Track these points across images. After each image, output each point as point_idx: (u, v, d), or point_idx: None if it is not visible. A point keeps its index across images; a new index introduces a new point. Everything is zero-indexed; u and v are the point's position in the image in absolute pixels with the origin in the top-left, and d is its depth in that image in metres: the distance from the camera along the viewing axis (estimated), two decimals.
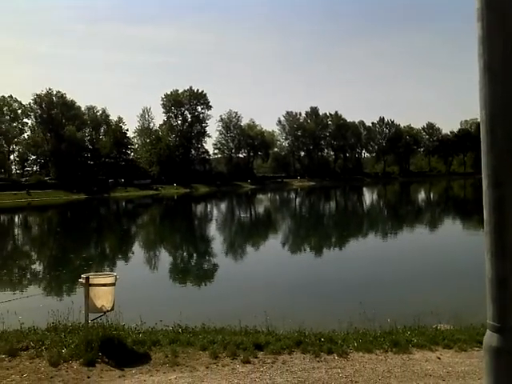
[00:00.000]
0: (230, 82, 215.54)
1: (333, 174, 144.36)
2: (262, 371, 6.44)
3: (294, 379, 6.15)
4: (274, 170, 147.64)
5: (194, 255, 29.27)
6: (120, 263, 25.80)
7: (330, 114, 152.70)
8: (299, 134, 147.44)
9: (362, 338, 7.91)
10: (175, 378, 6.26)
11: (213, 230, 42.54)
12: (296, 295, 15.83)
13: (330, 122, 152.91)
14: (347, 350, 7.27)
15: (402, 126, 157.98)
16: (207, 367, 6.64)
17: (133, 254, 29.84)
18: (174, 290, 17.98)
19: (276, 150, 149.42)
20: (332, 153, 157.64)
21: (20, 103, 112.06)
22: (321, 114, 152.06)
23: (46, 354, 7.04)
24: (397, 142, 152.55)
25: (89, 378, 6.39)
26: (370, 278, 18.42)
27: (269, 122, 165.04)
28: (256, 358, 6.94)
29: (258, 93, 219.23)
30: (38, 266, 26.83)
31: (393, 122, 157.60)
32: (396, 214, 52.56)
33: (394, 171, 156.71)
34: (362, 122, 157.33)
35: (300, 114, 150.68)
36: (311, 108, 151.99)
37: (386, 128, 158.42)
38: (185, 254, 30.30)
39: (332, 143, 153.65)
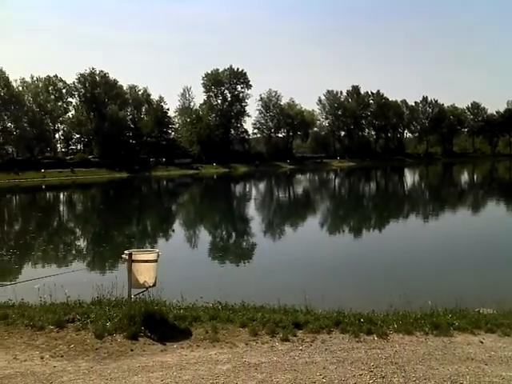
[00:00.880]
0: (271, 60, 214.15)
1: (373, 154, 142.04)
2: (301, 349, 6.48)
3: (333, 358, 6.16)
4: (313, 150, 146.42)
5: (233, 234, 29.50)
6: (161, 240, 26.28)
7: (371, 92, 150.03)
8: (340, 113, 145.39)
9: (401, 319, 7.83)
10: (215, 354, 6.37)
11: (251, 209, 42.72)
12: (335, 275, 15.81)
13: (371, 101, 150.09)
14: (387, 331, 7.22)
15: (445, 105, 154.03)
16: (247, 344, 6.72)
17: (173, 231, 30.34)
18: (214, 268, 18.20)
19: (316, 129, 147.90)
20: (373, 133, 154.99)
21: (64, 83, 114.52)
22: (362, 92, 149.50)
23: (92, 327, 7.28)
24: (440, 121, 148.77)
25: (132, 351, 6.57)
26: (411, 260, 18.21)
27: (309, 101, 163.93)
28: (295, 336, 6.98)
29: (299, 72, 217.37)
30: (82, 242, 27.60)
31: (436, 101, 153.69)
32: (438, 196, 51.50)
33: (437, 152, 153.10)
34: (404, 102, 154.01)
35: (341, 93, 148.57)
36: (352, 87, 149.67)
37: (430, 107, 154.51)
38: (224, 232, 30.58)
39: (373, 123, 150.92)
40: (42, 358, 6.36)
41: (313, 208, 42.40)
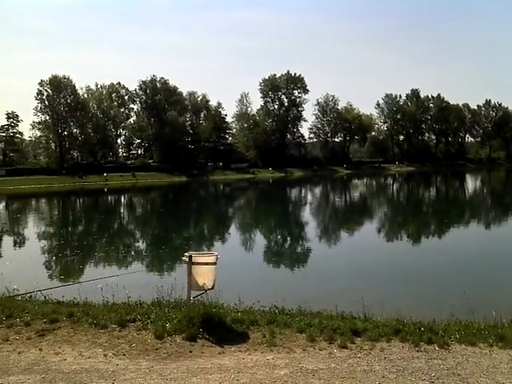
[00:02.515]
0: (328, 64, 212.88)
1: (433, 159, 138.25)
2: (359, 357, 6.39)
3: (393, 367, 6.04)
4: (370, 154, 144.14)
5: (288, 238, 29.42)
6: (217, 244, 26.54)
7: (431, 96, 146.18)
8: (398, 117, 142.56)
9: (464, 329, 7.58)
10: (273, 358, 6.38)
11: (307, 214, 42.51)
12: (393, 282, 15.50)
13: (431, 105, 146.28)
14: (448, 341, 7.00)
15: (510, 108, 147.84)
16: (304, 349, 6.70)
17: (229, 234, 30.59)
18: (270, 272, 18.24)
19: (374, 133, 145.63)
20: (433, 137, 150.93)
21: (127, 89, 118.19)
22: (422, 96, 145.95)
23: (152, 327, 7.46)
24: (504, 125, 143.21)
25: (191, 352, 6.69)
26: (473, 267, 17.58)
27: (367, 104, 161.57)
28: (353, 343, 6.89)
29: (356, 75, 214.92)
30: (141, 244, 28.29)
31: (500, 104, 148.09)
32: (501, 202, 49.46)
33: (500, 157, 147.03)
34: (466, 105, 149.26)
35: (400, 97, 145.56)
36: (412, 90, 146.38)
37: (493, 111, 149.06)
38: (279, 237, 30.57)
39: (433, 127, 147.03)
40: (105, 355, 6.58)
41: (370, 213, 41.71)
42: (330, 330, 7.31)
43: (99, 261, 21.54)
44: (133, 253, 24.42)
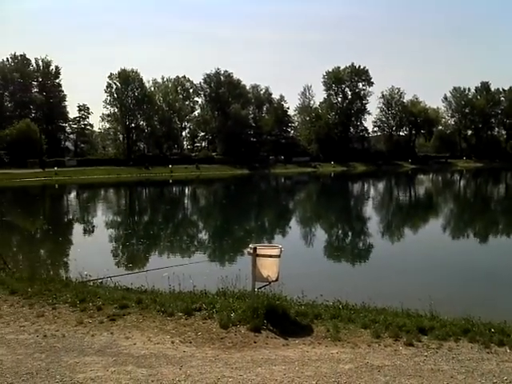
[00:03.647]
0: (393, 57, 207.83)
1: (504, 154, 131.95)
2: (426, 356, 6.26)
3: (462, 368, 5.88)
4: (437, 149, 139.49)
5: (350, 233, 29.11)
6: (278, 237, 26.61)
7: (502, 89, 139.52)
8: (467, 111, 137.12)
9: None
10: (337, 353, 6.36)
11: (369, 209, 41.87)
12: (460, 280, 15.03)
13: (502, 99, 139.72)
14: None
15: None
16: (369, 345, 6.63)
17: (290, 228, 30.59)
18: (332, 267, 18.15)
19: (440, 128, 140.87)
20: (504, 132, 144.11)
21: (192, 83, 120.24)
22: (492, 89, 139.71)
23: (217, 317, 7.61)
24: None
25: (255, 343, 6.77)
26: None
27: (433, 98, 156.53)
28: (419, 341, 6.75)
29: (423, 68, 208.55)
30: (204, 235, 28.84)
31: None
32: None
33: None
34: None
35: (468, 90, 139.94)
36: (482, 83, 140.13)
37: None
38: (340, 231, 30.30)
39: (504, 121, 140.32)
40: (172, 342, 6.78)
41: (435, 210, 40.55)
42: (395, 326, 7.20)
43: (164, 250, 22.16)
44: (196, 243, 24.92)
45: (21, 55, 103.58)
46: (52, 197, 57.73)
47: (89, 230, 30.34)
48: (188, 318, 7.69)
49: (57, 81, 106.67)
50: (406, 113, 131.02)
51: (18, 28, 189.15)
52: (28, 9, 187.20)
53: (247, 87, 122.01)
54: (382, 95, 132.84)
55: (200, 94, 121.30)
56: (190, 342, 6.78)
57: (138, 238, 24.98)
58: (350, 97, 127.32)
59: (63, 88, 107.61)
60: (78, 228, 31.78)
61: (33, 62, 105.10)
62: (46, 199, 54.83)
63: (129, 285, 10.47)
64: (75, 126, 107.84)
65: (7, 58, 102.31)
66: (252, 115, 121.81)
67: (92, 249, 22.01)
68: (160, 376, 5.62)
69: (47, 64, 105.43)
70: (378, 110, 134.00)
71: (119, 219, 35.84)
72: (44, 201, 52.85)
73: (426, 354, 6.33)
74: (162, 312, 7.91)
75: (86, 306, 8.24)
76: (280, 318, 7.41)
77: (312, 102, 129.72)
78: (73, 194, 61.90)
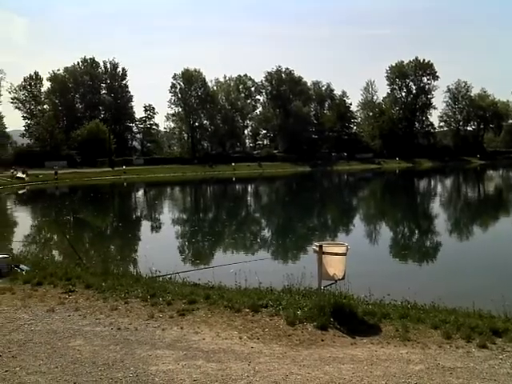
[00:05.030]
0: (459, 49, 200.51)
1: None
2: (501, 359, 6.04)
3: None
4: (507, 144, 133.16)
5: (417, 231, 28.35)
6: (342, 235, 26.32)
7: None
8: None
9: None
10: (406, 353, 6.25)
11: (436, 206, 40.59)
12: None
13: None
14: None
15: None
16: (440, 346, 6.47)
17: (354, 226, 30.19)
18: (399, 266, 17.76)
19: (511, 122, 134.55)
20: None
21: (253, 81, 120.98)
22: None
23: (283, 314, 7.66)
24: None
25: (322, 341, 6.77)
26: None
27: (503, 91, 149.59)
28: (493, 344, 6.52)
29: (491, 60, 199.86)
30: (268, 232, 28.97)
31: None
32: None
33: None
34: None
35: None
36: None
37: None
38: (406, 229, 29.55)
39: None
40: (240, 338, 6.89)
41: (506, 207, 38.78)
42: (467, 327, 6.98)
43: (229, 247, 22.45)
44: (260, 240, 25.06)
45: (90, 58, 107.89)
46: (121, 194, 59.83)
47: (156, 227, 31.23)
48: (255, 314, 7.79)
49: (124, 82, 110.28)
50: (473, 107, 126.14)
51: (87, 32, 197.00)
52: (96, 13, 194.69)
53: (308, 84, 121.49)
54: (448, 89, 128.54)
55: (261, 92, 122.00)
56: (258, 339, 6.86)
57: (204, 235, 25.46)
58: (414, 91, 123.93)
59: (130, 89, 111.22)
60: (146, 225, 32.80)
61: (101, 64, 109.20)
62: (116, 197, 56.89)
63: (196, 280, 10.71)
64: (141, 125, 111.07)
65: (78, 62, 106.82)
66: (313, 112, 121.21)
67: (160, 245, 22.63)
68: (229, 371, 5.73)
69: (115, 66, 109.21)
70: (444, 104, 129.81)
71: (185, 216, 36.64)
72: (113, 198, 54.87)
73: (500, 357, 6.10)
74: (230, 308, 8.04)
75: (157, 300, 8.51)
76: (347, 317, 7.36)
77: (375, 98, 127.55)
78: (140, 192, 63.88)
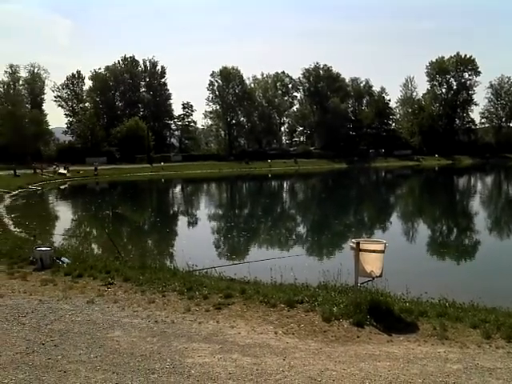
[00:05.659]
0: (502, 44, 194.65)
1: None
2: None
3: None
4: None
5: (455, 229, 27.80)
6: (378, 232, 25.99)
7: None
8: None
9: None
10: (444, 352, 6.15)
11: (476, 204, 39.62)
12: None
13: None
14: None
15: None
16: (479, 346, 6.34)
17: (390, 223, 29.79)
18: (436, 263, 17.44)
19: None
20: None
21: (290, 78, 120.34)
22: None
23: (319, 310, 7.65)
24: None
25: (358, 337, 6.73)
26: None
27: None
28: None
29: None
30: (303, 229, 28.91)
31: None
32: None
33: None
34: None
35: None
36: None
37: None
38: (444, 227, 28.99)
39: None
40: (275, 333, 6.91)
41: None
42: (507, 327, 6.81)
43: (264, 242, 22.51)
44: (295, 236, 25.06)
45: (130, 57, 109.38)
46: (159, 190, 60.69)
47: (193, 222, 31.58)
48: (290, 309, 7.80)
49: (162, 80, 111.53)
50: None
51: (127, 32, 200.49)
52: (135, 14, 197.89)
53: (347, 80, 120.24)
54: (491, 85, 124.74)
55: (299, 89, 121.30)
56: (293, 334, 6.87)
57: (239, 231, 25.60)
58: (455, 87, 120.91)
59: (168, 87, 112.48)
60: (182, 220, 33.18)
61: (141, 63, 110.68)
62: (154, 193, 57.77)
63: (232, 275, 10.80)
64: (180, 123, 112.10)
65: (118, 61, 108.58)
66: (351, 108, 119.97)
67: (196, 240, 22.88)
68: (264, 365, 5.75)
69: (154, 64, 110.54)
70: (486, 100, 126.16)
71: (221, 212, 36.92)
72: (151, 194, 55.73)
73: None
74: (265, 303, 8.07)
75: (193, 294, 8.62)
76: (383, 314, 7.29)
77: (414, 94, 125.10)
78: (178, 188, 64.63)
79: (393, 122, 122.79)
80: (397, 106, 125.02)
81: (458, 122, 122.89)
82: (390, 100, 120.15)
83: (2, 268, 10.80)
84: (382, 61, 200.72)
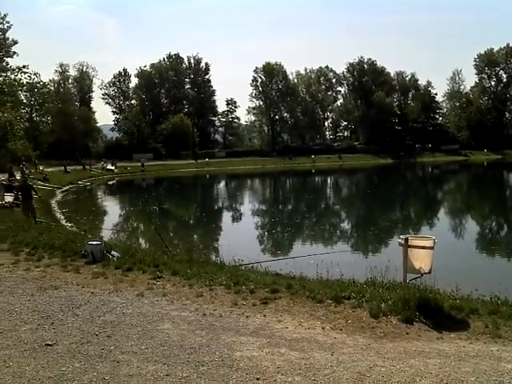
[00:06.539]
0: None
1: None
2: None
3: None
4: None
5: (506, 226, 26.94)
6: (425, 228, 25.45)
7: None
8: None
9: None
10: (497, 350, 6.00)
11: None
12: None
13: None
14: None
15: None
16: None
17: (438, 220, 29.16)
18: (487, 261, 17.02)
19: None
20: None
21: (334, 73, 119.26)
22: None
23: (367, 306, 7.57)
24: None
25: (407, 334, 6.64)
26: None
27: None
28: None
29: None
30: (347, 224, 28.67)
31: None
32: None
33: None
34: None
35: None
36: None
37: None
38: (494, 224, 28.16)
39: None
40: (323, 328, 6.90)
41: None
42: None
43: (308, 238, 22.47)
44: (339, 232, 24.90)
45: (175, 54, 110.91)
46: (203, 186, 61.37)
47: (237, 218, 31.82)
48: (337, 305, 7.75)
49: (206, 77, 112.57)
50: None
51: (171, 30, 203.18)
52: (179, 12, 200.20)
53: (392, 74, 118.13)
54: None
55: (343, 84, 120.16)
56: (341, 329, 6.84)
57: (283, 226, 25.61)
58: (504, 80, 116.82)
59: (212, 83, 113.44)
60: (227, 215, 33.49)
61: (185, 60, 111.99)
62: (198, 188, 58.46)
63: (278, 270, 10.83)
64: (224, 119, 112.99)
65: (163, 58, 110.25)
66: (397, 102, 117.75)
67: (241, 235, 23.07)
68: (312, 360, 5.76)
69: (198, 61, 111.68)
70: None
71: (265, 208, 37.04)
72: (196, 190, 56.45)
73: None
74: (312, 298, 8.05)
75: (240, 288, 8.69)
76: (433, 311, 7.16)
77: (462, 87, 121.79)
78: (222, 184, 65.18)
79: (439, 116, 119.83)
80: (443, 100, 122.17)
81: (507, 115, 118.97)
82: (436, 94, 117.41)
83: (56, 261, 11.19)
84: (428, 54, 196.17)
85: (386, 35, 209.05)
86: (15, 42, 59.14)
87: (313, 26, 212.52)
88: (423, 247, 7.50)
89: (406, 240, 7.46)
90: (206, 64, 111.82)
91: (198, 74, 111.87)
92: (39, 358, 5.90)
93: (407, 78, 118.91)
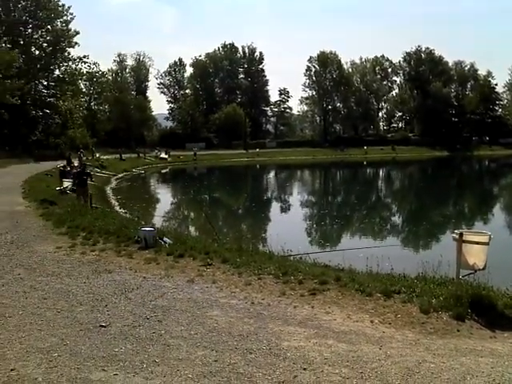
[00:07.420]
0: None
1: None
2: None
3: None
4: None
5: None
6: (478, 224, 24.62)
7: None
8: None
9: None
10: None
11: None
12: None
13: None
14: None
15: None
16: None
17: (493, 215, 28.16)
18: None
19: None
20: None
21: (390, 62, 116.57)
22: None
23: (417, 301, 7.43)
24: None
25: (458, 331, 6.50)
26: None
27: None
28: None
29: None
30: (398, 218, 28.20)
31: None
32: None
33: None
34: None
35: None
36: None
37: None
38: None
39: None
40: (371, 321, 6.85)
41: None
42: None
43: (358, 231, 22.27)
44: (390, 226, 24.53)
45: (229, 44, 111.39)
46: (254, 176, 61.69)
47: (286, 208, 31.86)
48: (387, 299, 7.65)
49: (260, 66, 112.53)
50: None
51: (228, 19, 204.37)
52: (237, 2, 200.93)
53: (450, 64, 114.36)
54: None
55: (399, 73, 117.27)
56: (390, 324, 6.77)
57: (333, 218, 25.47)
58: None
59: (265, 73, 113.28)
60: (276, 205, 33.58)
61: (240, 49, 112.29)
62: (249, 178, 58.80)
63: (327, 262, 10.78)
64: (276, 109, 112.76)
65: (218, 48, 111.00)
66: (454, 93, 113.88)
67: (290, 225, 23.02)
68: (360, 353, 5.74)
69: (252, 51, 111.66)
70: None
71: (314, 199, 36.88)
72: (247, 179, 56.79)
73: None
74: (361, 291, 7.97)
75: (288, 278, 8.72)
76: (485, 309, 6.96)
77: None
78: (272, 174, 65.28)
79: (499, 107, 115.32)
80: (504, 91, 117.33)
81: None
82: (496, 84, 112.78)
83: (110, 246, 11.57)
84: (488, 43, 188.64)
85: (445, 24, 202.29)
86: (77, 33, 61.42)
87: (370, 15, 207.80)
88: (478, 243, 7.30)
89: (461, 235, 7.28)
90: (260, 53, 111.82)
91: (252, 63, 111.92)
92: (93, 338, 6.16)
93: (466, 68, 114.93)
